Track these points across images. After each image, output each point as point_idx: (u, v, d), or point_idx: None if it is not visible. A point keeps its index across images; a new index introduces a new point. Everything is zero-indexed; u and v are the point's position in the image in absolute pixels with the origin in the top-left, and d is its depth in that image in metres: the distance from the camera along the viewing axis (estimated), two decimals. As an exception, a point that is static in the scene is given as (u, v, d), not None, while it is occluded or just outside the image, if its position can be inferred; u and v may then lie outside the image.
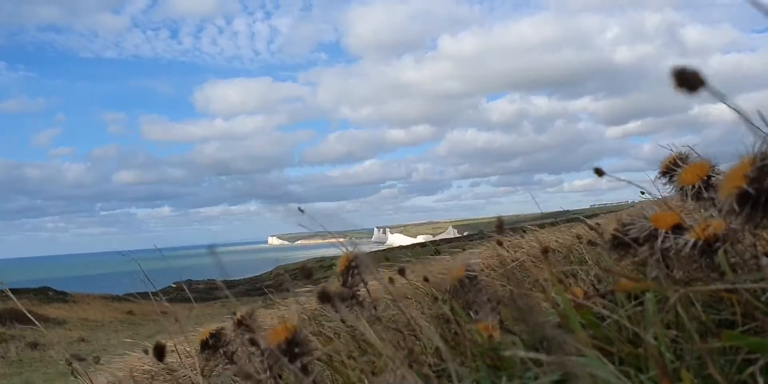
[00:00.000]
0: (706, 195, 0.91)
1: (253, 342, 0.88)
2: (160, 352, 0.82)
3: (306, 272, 0.79)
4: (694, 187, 0.94)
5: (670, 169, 1.03)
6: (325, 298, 0.81)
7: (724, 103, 0.52)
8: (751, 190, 0.67)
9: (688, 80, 0.47)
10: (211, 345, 1.01)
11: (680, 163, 1.01)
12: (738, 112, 0.58)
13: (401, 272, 1.04)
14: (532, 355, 0.64)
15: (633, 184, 1.17)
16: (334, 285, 1.07)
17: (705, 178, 0.94)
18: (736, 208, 0.68)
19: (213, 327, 1.02)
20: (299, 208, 1.22)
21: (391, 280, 1.04)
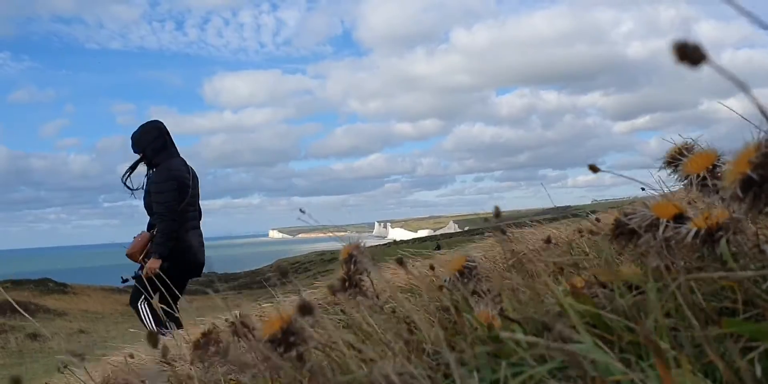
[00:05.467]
0: (711, 184, 0.90)
1: (248, 335, 0.88)
2: (153, 340, 0.82)
3: (282, 270, 0.78)
4: (699, 176, 0.93)
5: (675, 159, 1.03)
6: (305, 311, 0.80)
7: (721, 103, 0.51)
8: (755, 176, 0.66)
9: (690, 55, 0.46)
10: (203, 345, 1.00)
11: (686, 152, 1.01)
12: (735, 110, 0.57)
13: (400, 262, 1.03)
14: (531, 339, 0.63)
15: (633, 180, 1.17)
16: (337, 274, 1.06)
17: (710, 167, 0.93)
18: (740, 194, 0.67)
19: (205, 328, 1.02)
20: (300, 210, 1.22)
21: (401, 264, 1.03)
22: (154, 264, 4.39)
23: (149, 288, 4.45)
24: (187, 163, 4.79)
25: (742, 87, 0.49)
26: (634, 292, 0.84)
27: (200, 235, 4.77)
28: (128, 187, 4.78)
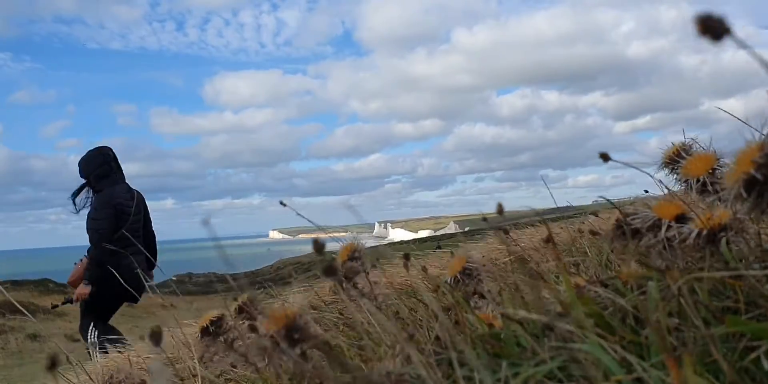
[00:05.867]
0: (711, 188, 0.89)
1: (253, 328, 0.88)
2: (156, 337, 0.82)
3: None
4: (699, 179, 0.92)
5: (673, 160, 1.02)
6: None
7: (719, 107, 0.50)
8: (759, 176, 0.66)
9: (713, 27, 0.44)
10: (212, 332, 1.01)
11: (684, 154, 1.00)
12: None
13: (407, 258, 1.03)
14: (531, 340, 0.63)
15: (638, 170, 1.16)
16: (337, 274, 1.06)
17: (711, 170, 0.92)
18: (744, 194, 0.67)
19: (213, 313, 1.02)
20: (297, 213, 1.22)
21: (405, 266, 1.03)
22: (83, 290, 4.55)
23: (93, 313, 4.63)
24: (132, 189, 4.90)
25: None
26: (636, 292, 0.84)
27: (142, 260, 4.81)
28: (74, 204, 4.88)
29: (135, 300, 4.90)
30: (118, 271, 4.55)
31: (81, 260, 4.76)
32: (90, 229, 4.62)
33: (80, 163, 4.81)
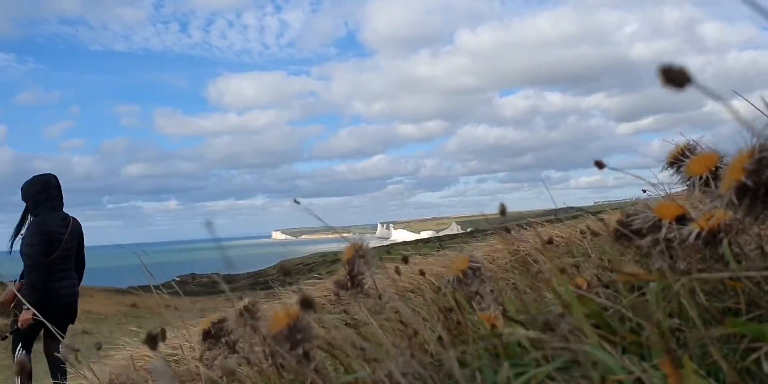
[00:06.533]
0: (713, 186, 0.90)
1: (255, 329, 0.88)
2: (153, 340, 0.82)
3: (286, 271, 0.78)
4: (701, 178, 0.92)
5: (677, 160, 1.02)
6: (306, 305, 0.79)
7: (718, 101, 0.52)
8: (749, 183, 0.66)
9: (675, 77, 0.48)
10: (213, 334, 1.01)
11: (688, 154, 1.00)
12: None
13: (405, 261, 1.04)
14: (533, 334, 0.64)
15: (636, 177, 1.17)
16: (340, 273, 1.06)
17: (713, 169, 0.92)
18: (735, 200, 0.67)
19: (215, 316, 1.03)
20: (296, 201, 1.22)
21: (397, 269, 1.04)
22: (26, 316, 4.65)
23: (27, 339, 4.73)
24: (69, 216, 5.01)
25: (720, 99, 0.51)
26: (637, 293, 0.84)
27: (73, 285, 4.98)
28: (14, 235, 5.00)
29: (71, 322, 5.04)
30: (49, 294, 4.68)
31: (15, 281, 4.87)
32: (24, 255, 4.76)
33: (22, 188, 4.96)
